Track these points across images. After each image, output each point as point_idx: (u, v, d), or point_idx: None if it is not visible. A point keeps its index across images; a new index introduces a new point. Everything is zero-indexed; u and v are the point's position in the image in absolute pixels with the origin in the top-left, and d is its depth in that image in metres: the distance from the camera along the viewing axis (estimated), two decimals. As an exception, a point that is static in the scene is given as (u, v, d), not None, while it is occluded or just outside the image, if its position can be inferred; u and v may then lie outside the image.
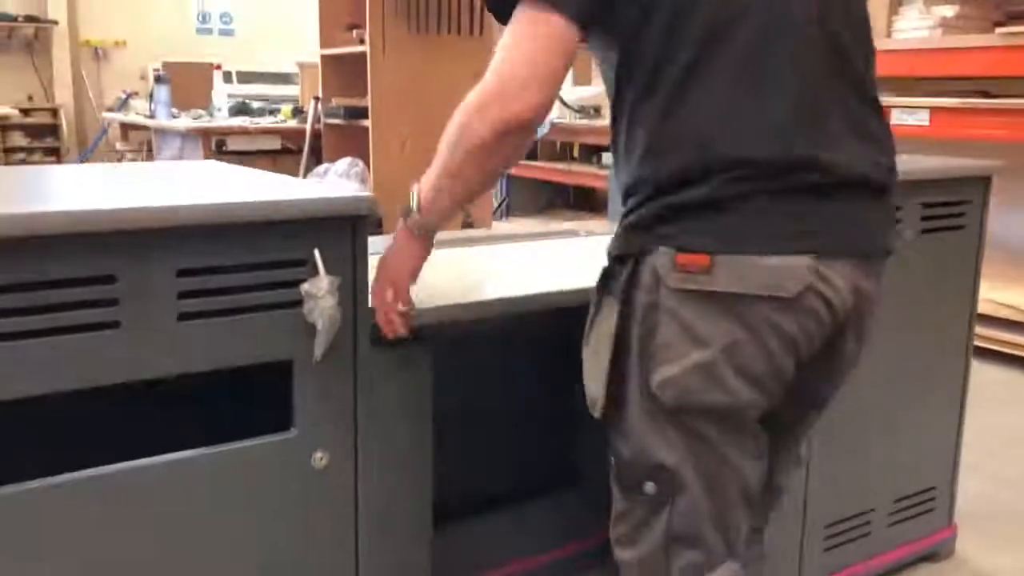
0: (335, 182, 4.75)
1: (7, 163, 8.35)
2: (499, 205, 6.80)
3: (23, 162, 8.54)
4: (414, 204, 1.30)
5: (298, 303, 1.29)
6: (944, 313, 2.19)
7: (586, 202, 6.89)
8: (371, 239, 1.36)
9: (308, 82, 5.90)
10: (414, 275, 1.37)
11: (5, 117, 8.62)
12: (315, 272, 1.29)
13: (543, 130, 5.76)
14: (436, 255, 1.40)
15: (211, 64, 6.47)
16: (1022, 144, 3.80)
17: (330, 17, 5.11)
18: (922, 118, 4.11)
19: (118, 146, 7.54)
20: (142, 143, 6.96)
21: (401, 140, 4.59)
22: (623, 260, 1.24)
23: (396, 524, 1.48)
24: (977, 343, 2.29)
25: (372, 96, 4.62)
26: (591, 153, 6.25)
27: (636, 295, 1.22)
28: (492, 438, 2.00)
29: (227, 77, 7.00)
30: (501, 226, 6.02)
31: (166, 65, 7.06)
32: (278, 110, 5.95)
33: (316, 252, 1.29)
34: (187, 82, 6.36)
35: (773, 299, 1.16)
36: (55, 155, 8.91)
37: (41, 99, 9.10)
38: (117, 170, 1.73)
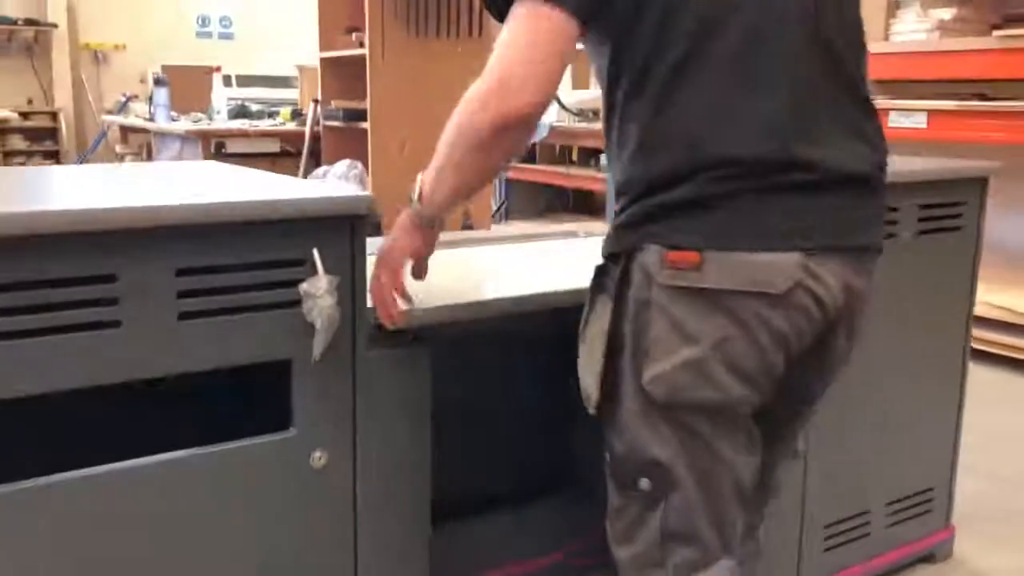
0: (334, 184, 4.75)
1: (6, 167, 8.35)
2: (498, 208, 6.80)
3: (22, 165, 8.53)
4: (415, 194, 1.31)
5: (297, 303, 1.30)
6: (942, 314, 2.19)
7: (585, 205, 6.90)
8: (370, 240, 1.36)
9: (307, 85, 5.91)
10: (415, 257, 1.37)
11: (4, 120, 8.62)
12: (314, 272, 1.29)
13: (542, 133, 5.77)
14: (436, 255, 1.41)
15: (210, 67, 6.47)
16: (1019, 146, 3.81)
17: (329, 20, 5.12)
18: (919, 121, 4.11)
19: (117, 149, 7.55)
20: (141, 146, 6.96)
21: (400, 142, 4.59)
22: (615, 258, 1.25)
23: (395, 524, 1.48)
24: (971, 345, 2.29)
25: (371, 99, 4.63)
26: (590, 156, 6.25)
27: (628, 292, 1.23)
28: (491, 438, 2.00)
29: (226, 80, 6.99)
30: (500, 229, 6.02)
31: (166, 68, 7.09)
32: (277, 113, 5.95)
33: (315, 252, 1.29)
34: (186, 85, 6.38)
35: (763, 295, 1.17)
36: (55, 158, 8.91)
37: (40, 102, 9.09)
38: (117, 170, 1.74)
